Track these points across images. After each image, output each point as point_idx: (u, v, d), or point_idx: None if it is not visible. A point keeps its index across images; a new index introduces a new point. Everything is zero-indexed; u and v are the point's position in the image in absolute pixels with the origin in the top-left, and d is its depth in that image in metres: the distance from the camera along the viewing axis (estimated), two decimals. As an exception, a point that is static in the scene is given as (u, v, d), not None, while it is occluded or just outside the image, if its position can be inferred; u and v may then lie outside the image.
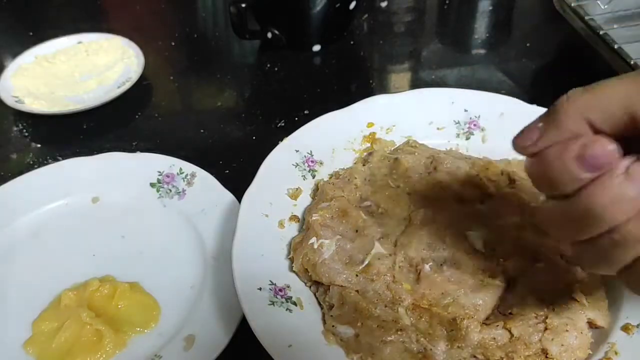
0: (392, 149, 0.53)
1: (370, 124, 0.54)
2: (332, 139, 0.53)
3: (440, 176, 0.48)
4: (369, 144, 0.53)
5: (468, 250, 0.42)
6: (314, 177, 0.51)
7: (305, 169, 0.51)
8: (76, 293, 0.45)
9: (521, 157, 0.50)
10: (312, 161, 0.51)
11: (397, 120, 0.54)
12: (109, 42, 0.72)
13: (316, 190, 0.50)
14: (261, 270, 0.43)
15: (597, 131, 0.30)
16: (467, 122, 0.54)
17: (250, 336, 0.40)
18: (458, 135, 0.54)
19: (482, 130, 0.54)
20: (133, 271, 0.48)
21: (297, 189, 0.49)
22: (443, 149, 0.53)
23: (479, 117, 0.54)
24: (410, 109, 0.55)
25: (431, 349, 0.38)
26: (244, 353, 0.42)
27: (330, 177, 0.51)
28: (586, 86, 0.31)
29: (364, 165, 0.51)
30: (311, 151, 0.51)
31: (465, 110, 0.54)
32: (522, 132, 0.33)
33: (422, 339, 0.39)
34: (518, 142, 0.33)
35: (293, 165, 0.50)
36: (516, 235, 0.43)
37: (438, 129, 0.54)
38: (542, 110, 0.55)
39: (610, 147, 0.28)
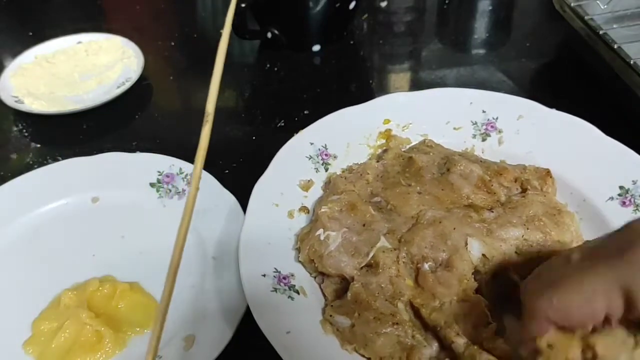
0: (408, 147, 0.53)
1: (386, 121, 0.54)
2: (347, 134, 0.53)
3: (452, 178, 0.47)
4: (384, 140, 0.54)
5: (464, 257, 0.42)
6: (326, 170, 0.51)
7: (318, 162, 0.51)
8: (76, 293, 0.45)
9: (537, 164, 0.50)
10: (326, 154, 0.51)
11: (414, 118, 0.54)
12: (108, 42, 0.72)
13: (328, 183, 0.50)
14: (267, 258, 0.44)
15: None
16: (484, 123, 0.54)
17: (251, 336, 0.40)
18: (474, 136, 0.54)
19: (499, 132, 0.53)
20: (133, 271, 0.48)
21: (309, 180, 0.50)
22: (459, 149, 0.53)
23: (496, 118, 0.54)
24: (428, 107, 0.55)
25: (425, 346, 0.39)
26: (244, 353, 0.42)
27: (343, 171, 0.51)
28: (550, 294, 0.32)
29: (377, 161, 0.51)
30: (326, 144, 0.52)
31: (484, 111, 0.54)
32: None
33: (417, 335, 0.39)
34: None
35: (307, 157, 0.51)
36: (514, 250, 0.43)
37: (455, 128, 0.54)
38: (560, 114, 0.54)
39: None
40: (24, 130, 0.64)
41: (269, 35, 0.70)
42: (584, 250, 0.33)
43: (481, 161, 0.50)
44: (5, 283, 0.47)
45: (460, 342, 0.38)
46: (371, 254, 0.43)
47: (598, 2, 0.63)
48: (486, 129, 0.54)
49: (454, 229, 0.43)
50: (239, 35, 0.69)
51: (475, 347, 0.38)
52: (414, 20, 0.79)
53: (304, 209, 0.48)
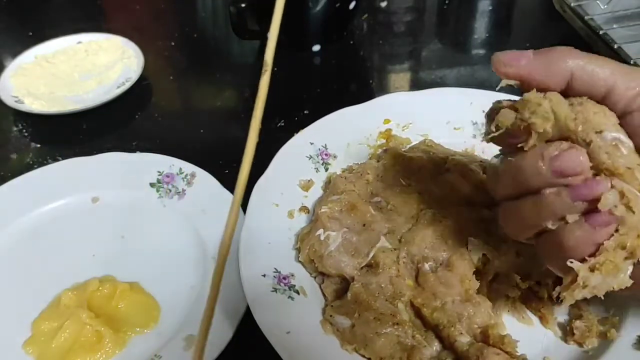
0: (408, 146, 0.53)
1: (387, 120, 0.54)
2: (348, 134, 0.53)
3: (452, 178, 0.47)
4: (384, 140, 0.54)
5: (464, 257, 0.42)
6: (326, 170, 0.51)
7: (318, 162, 0.51)
8: (76, 293, 0.45)
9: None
10: (326, 154, 0.52)
11: (414, 118, 0.54)
12: (108, 42, 0.72)
13: (328, 183, 0.50)
14: (267, 258, 0.44)
15: (570, 88, 0.33)
16: (484, 123, 0.54)
17: (251, 336, 0.40)
18: (475, 136, 0.54)
19: None
20: (133, 271, 0.48)
21: (309, 180, 0.50)
22: (459, 149, 0.52)
23: None
24: (429, 107, 0.55)
25: (425, 346, 0.39)
26: (244, 353, 0.42)
27: (343, 171, 0.51)
28: (586, 53, 0.33)
29: (378, 161, 0.51)
30: (326, 144, 0.52)
31: (484, 111, 0.54)
32: (509, 52, 0.35)
33: (417, 335, 0.39)
34: (503, 59, 0.35)
35: (307, 157, 0.51)
36: (514, 251, 0.43)
37: (455, 128, 0.54)
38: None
39: (582, 159, 0.31)
40: (24, 130, 0.64)
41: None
42: None
43: (481, 161, 0.50)
44: (5, 283, 0.47)
45: (464, 340, 0.38)
46: (371, 254, 0.43)
47: (598, 2, 0.63)
48: None
49: (454, 228, 0.43)
50: (239, 35, 0.69)
51: (481, 343, 0.38)
52: (414, 20, 0.79)
53: (304, 209, 0.48)
